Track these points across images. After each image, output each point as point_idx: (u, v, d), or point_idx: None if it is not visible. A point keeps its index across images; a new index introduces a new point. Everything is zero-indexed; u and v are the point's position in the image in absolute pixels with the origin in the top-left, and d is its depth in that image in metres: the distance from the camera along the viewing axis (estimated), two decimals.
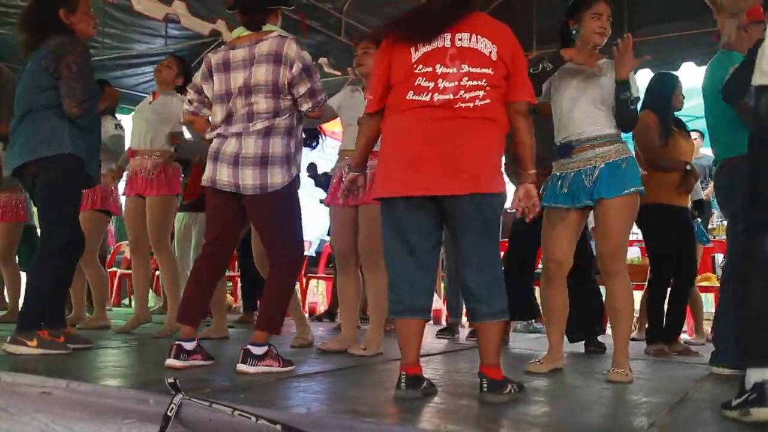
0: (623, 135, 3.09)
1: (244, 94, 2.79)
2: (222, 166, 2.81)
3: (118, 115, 5.29)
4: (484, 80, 2.31)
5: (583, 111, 2.95)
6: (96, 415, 2.12)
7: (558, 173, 3.04)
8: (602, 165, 2.91)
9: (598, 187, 2.90)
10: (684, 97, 4.17)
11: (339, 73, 6.62)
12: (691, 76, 5.64)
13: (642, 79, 5.65)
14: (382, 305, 3.47)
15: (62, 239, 3.14)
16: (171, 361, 2.77)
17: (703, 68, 5.10)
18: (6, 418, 2.25)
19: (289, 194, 2.83)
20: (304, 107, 2.82)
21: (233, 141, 2.81)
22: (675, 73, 4.74)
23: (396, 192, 2.32)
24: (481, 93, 2.30)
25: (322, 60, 6.33)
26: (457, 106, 2.29)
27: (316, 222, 6.81)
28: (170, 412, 1.98)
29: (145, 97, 7.47)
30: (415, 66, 2.36)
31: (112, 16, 6.14)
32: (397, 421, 1.93)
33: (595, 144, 2.95)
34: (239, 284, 6.65)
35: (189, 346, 2.83)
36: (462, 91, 2.29)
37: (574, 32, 3.02)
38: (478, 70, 2.31)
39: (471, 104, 2.29)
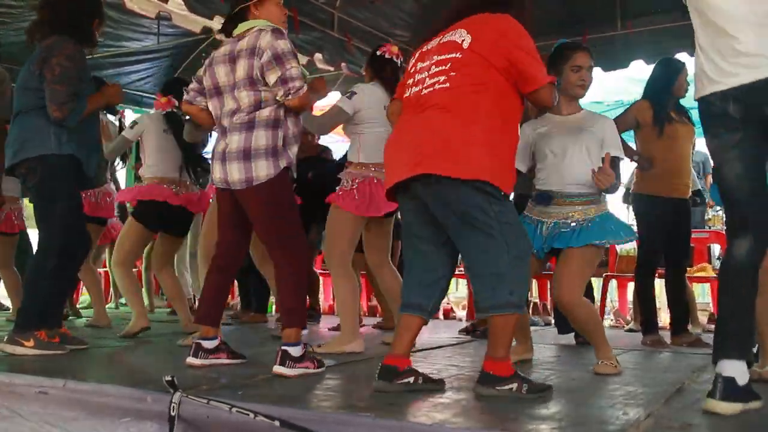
0: None
1: (229, 92, 2.80)
2: (216, 164, 2.83)
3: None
4: (449, 64, 2.29)
5: (569, 165, 2.91)
6: (93, 415, 2.12)
7: (534, 217, 2.99)
8: (577, 220, 2.89)
9: (568, 238, 2.87)
10: (689, 84, 3.99)
11: (332, 69, 6.60)
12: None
13: (638, 71, 5.71)
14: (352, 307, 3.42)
15: (58, 239, 3.12)
16: (189, 360, 2.79)
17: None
18: (2, 418, 2.24)
19: (278, 187, 2.76)
20: (278, 95, 2.71)
21: (222, 138, 2.83)
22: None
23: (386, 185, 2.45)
24: (443, 78, 2.28)
25: (317, 56, 6.31)
26: (422, 93, 2.32)
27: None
28: (173, 411, 1.98)
29: (138, 95, 7.51)
30: (410, 69, 2.47)
31: None
32: (394, 416, 1.93)
33: (575, 202, 2.92)
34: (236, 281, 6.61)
35: (209, 344, 2.83)
36: (427, 79, 2.32)
37: (557, 83, 2.94)
38: (444, 57, 2.31)
39: (431, 89, 2.29)
